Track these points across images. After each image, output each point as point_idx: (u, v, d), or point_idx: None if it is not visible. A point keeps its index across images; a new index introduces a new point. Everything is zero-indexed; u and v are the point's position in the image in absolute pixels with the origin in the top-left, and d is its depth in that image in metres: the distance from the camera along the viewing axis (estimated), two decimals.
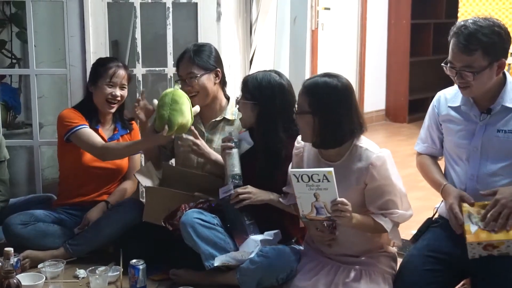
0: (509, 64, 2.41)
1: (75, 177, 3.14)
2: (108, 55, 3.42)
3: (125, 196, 3.17)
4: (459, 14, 5.34)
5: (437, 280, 2.25)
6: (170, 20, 3.43)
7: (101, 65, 3.10)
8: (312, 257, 2.48)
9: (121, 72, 3.08)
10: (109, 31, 3.43)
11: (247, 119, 2.67)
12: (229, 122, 3.00)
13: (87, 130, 3.02)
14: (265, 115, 2.61)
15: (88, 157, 3.08)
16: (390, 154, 2.35)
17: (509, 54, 2.29)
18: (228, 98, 3.05)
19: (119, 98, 3.08)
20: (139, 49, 3.45)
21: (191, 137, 2.81)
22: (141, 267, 2.60)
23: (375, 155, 2.30)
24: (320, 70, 5.65)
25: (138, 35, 3.43)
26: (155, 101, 2.78)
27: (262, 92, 2.61)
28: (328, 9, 5.83)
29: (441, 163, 2.54)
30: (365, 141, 2.37)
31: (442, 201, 2.40)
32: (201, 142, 2.83)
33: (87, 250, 2.97)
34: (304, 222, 2.41)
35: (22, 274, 2.70)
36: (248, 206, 2.58)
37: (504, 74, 2.28)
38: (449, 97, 2.41)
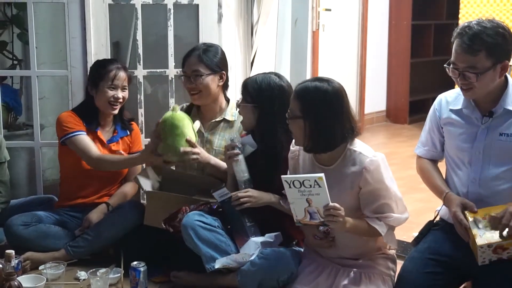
0: (511, 66, 2.39)
1: (75, 179, 3.14)
2: (109, 57, 3.43)
3: (126, 198, 3.17)
4: (460, 15, 5.34)
5: (438, 283, 2.24)
6: (171, 22, 3.43)
7: (101, 67, 3.09)
8: (312, 260, 2.48)
9: (122, 74, 3.08)
10: (110, 33, 3.43)
11: (248, 122, 2.67)
12: (229, 123, 3.00)
13: (83, 138, 3.03)
14: (265, 117, 2.61)
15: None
16: (384, 157, 2.34)
17: None
18: (228, 100, 3.05)
19: (121, 100, 3.08)
20: (140, 51, 3.45)
21: (189, 149, 2.77)
22: (142, 269, 2.60)
23: (368, 159, 2.29)
24: (321, 71, 5.67)
25: (139, 36, 3.43)
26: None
27: (262, 94, 2.61)
28: (329, 10, 5.84)
29: (442, 164, 2.53)
30: (359, 145, 2.36)
31: (443, 204, 2.39)
32: (200, 150, 2.81)
33: (88, 252, 2.97)
34: (300, 227, 2.41)
35: (23, 276, 2.70)
36: (249, 208, 2.58)
37: (506, 77, 2.27)
38: (450, 99, 2.40)
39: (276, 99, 2.60)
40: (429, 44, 7.23)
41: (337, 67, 6.21)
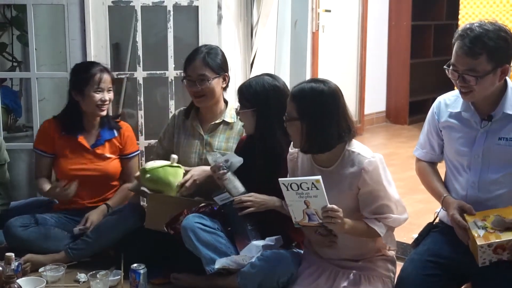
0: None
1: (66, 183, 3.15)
2: (109, 58, 3.43)
3: (127, 198, 3.17)
4: (459, 16, 5.34)
5: (437, 285, 2.24)
6: (171, 23, 3.43)
7: (84, 71, 3.06)
8: (312, 261, 2.48)
9: (106, 77, 3.07)
10: (110, 34, 3.44)
11: (250, 126, 2.66)
12: (228, 125, 2.99)
13: (39, 158, 3.16)
14: (262, 119, 2.60)
15: (65, 164, 3.09)
16: (383, 158, 2.34)
17: None
18: (226, 102, 3.04)
19: (107, 102, 3.08)
20: (140, 52, 3.45)
21: (182, 181, 2.81)
22: (142, 271, 2.60)
23: (367, 160, 2.29)
24: (321, 72, 5.67)
25: (139, 38, 3.43)
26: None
27: (258, 97, 2.60)
28: (329, 11, 5.83)
29: (442, 165, 2.53)
30: (357, 146, 2.36)
31: (441, 206, 2.39)
32: (193, 171, 2.83)
33: (89, 254, 2.97)
34: (301, 228, 2.40)
35: (23, 278, 2.70)
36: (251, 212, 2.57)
37: (505, 81, 2.26)
38: (449, 102, 2.39)
39: (272, 100, 2.59)
40: (429, 44, 7.24)
41: (337, 68, 6.21)
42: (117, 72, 3.57)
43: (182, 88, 3.06)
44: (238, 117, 2.74)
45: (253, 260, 2.47)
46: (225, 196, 2.59)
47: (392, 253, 2.50)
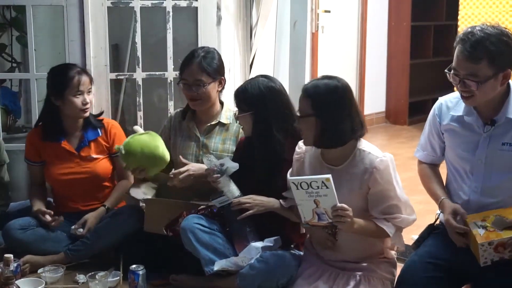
0: None
1: (58, 188, 3.16)
2: (108, 59, 3.43)
3: (123, 195, 3.16)
4: (459, 17, 5.34)
5: (438, 287, 2.23)
6: (170, 24, 3.43)
7: (61, 75, 3.02)
8: (312, 263, 2.48)
9: (85, 78, 3.04)
10: (109, 35, 3.43)
11: (249, 129, 2.64)
12: (224, 126, 2.99)
13: (29, 167, 3.18)
14: (260, 120, 2.60)
15: (54, 170, 3.09)
16: (393, 158, 2.35)
17: None
18: (222, 103, 3.04)
19: (89, 104, 3.05)
20: (139, 53, 3.45)
21: (176, 171, 2.78)
22: (141, 272, 2.59)
23: (378, 159, 2.31)
24: (320, 73, 5.65)
25: (138, 39, 3.43)
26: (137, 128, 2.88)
27: (254, 100, 2.59)
28: (328, 11, 5.83)
29: (443, 164, 2.51)
30: (367, 145, 2.37)
31: (439, 209, 2.38)
32: (190, 164, 2.80)
33: (87, 256, 2.97)
34: (306, 228, 2.40)
35: (22, 279, 2.70)
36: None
37: (508, 85, 2.23)
38: (450, 105, 2.36)
39: (268, 101, 2.59)
40: (429, 45, 7.23)
41: (336, 68, 6.20)
42: (116, 73, 3.58)
43: (181, 92, 3.05)
44: (238, 121, 2.74)
45: (252, 261, 2.47)
46: (223, 199, 2.59)
47: (393, 256, 2.50)
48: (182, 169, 2.78)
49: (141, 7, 3.41)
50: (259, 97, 2.59)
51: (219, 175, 2.57)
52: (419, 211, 3.57)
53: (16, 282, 2.30)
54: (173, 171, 2.81)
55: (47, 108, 3.09)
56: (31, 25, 3.38)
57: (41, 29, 3.80)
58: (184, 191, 2.83)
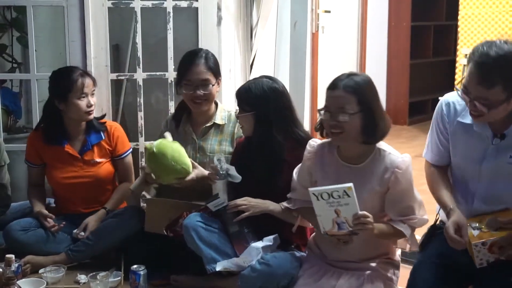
0: None
1: (60, 191, 3.16)
2: (108, 60, 3.43)
3: (124, 198, 3.17)
4: (459, 17, 5.35)
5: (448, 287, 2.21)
6: (170, 25, 3.43)
7: (65, 78, 3.01)
8: (314, 263, 2.47)
9: (88, 81, 3.04)
10: (109, 36, 3.44)
11: (249, 129, 2.64)
12: (219, 127, 2.99)
13: (30, 168, 3.19)
14: (262, 121, 2.59)
15: (57, 174, 3.09)
16: (411, 159, 2.34)
17: None
18: (216, 104, 3.04)
19: (94, 106, 3.06)
20: (139, 54, 3.45)
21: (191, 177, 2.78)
22: (142, 272, 2.60)
23: (400, 159, 2.30)
24: (320, 73, 5.65)
25: (138, 39, 3.43)
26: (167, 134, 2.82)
27: (258, 100, 2.59)
28: (329, 12, 5.82)
29: None
30: (386, 146, 2.37)
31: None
32: (194, 172, 2.78)
33: (88, 257, 2.98)
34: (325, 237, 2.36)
35: (23, 279, 2.71)
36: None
37: None
38: (459, 108, 2.26)
39: (272, 102, 2.59)
40: (429, 45, 7.22)
41: (336, 68, 6.15)
42: (117, 74, 3.58)
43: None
44: (238, 121, 2.74)
45: (253, 263, 2.46)
46: (219, 202, 2.58)
47: (398, 257, 2.50)
48: (188, 178, 2.77)
49: (141, 8, 3.41)
50: (262, 97, 2.59)
51: (217, 177, 2.59)
52: None
53: (17, 282, 2.30)
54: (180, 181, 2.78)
55: (49, 112, 3.09)
56: (32, 26, 3.38)
57: (41, 29, 3.80)
58: (185, 192, 2.84)
